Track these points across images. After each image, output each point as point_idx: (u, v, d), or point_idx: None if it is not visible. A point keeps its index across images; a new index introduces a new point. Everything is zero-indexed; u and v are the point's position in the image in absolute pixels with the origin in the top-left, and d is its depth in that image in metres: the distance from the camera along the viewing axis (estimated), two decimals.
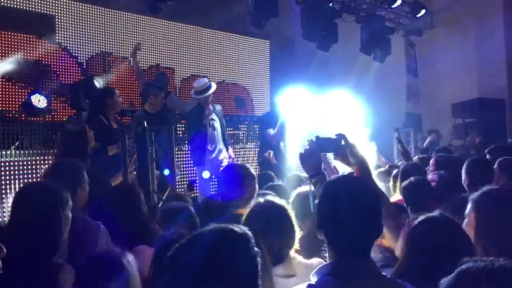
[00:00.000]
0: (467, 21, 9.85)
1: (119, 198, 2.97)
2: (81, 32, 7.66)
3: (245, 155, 8.37)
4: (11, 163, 4.98)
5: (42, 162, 5.20)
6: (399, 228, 2.06)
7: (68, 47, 7.52)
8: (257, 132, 7.78)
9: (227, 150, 6.03)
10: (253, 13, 6.87)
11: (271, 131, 6.55)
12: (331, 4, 8.16)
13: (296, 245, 2.23)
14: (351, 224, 1.56)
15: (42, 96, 5.46)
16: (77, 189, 2.72)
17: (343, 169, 4.00)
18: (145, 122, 3.98)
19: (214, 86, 6.03)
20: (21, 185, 4.91)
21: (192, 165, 6.69)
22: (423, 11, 9.65)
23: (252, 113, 9.95)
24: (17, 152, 5.09)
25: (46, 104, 5.50)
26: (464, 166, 3.50)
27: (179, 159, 6.30)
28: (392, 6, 9.10)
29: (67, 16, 7.50)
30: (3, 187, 4.85)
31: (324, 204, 1.65)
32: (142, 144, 3.97)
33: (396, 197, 3.58)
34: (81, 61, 7.70)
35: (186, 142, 6.65)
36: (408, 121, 10.04)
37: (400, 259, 1.90)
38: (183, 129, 6.98)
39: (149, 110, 5.20)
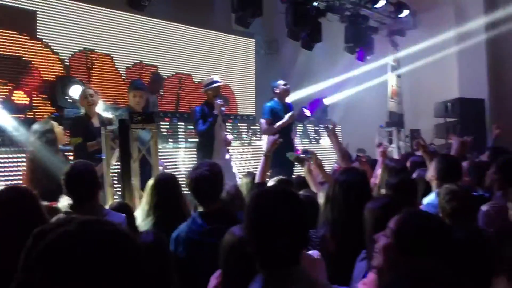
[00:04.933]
0: (449, 22, 9.98)
1: None
2: (63, 29, 7.58)
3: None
4: None
5: (23, 159, 5.14)
6: None
7: (50, 44, 7.44)
8: (241, 130, 7.75)
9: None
10: (238, 11, 6.87)
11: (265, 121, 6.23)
12: (315, 3, 8.20)
13: None
14: (278, 236, 1.59)
15: (23, 93, 5.39)
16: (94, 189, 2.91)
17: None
18: (127, 119, 3.95)
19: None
20: (3, 182, 4.87)
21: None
22: (406, 12, 9.75)
23: (236, 111, 9.96)
24: None
25: (27, 101, 5.43)
26: (434, 162, 3.60)
27: (164, 158, 6.28)
28: (376, 6, 9.18)
29: (49, 12, 7.42)
30: None
31: (251, 216, 1.68)
32: (124, 141, 3.94)
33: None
34: (63, 58, 7.62)
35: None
36: (391, 120, 10.14)
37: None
38: (168, 127, 6.95)
39: (133, 107, 5.18)
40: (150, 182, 3.18)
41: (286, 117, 6.20)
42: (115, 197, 4.17)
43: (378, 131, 9.78)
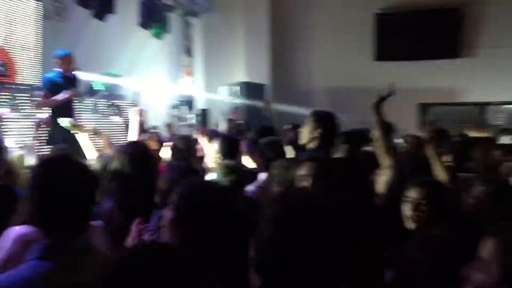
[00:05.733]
0: (239, 9, 10.64)
1: None
2: None
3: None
4: None
5: None
6: None
7: None
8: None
9: None
10: None
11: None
12: None
13: None
14: (58, 206, 1.57)
15: None
16: None
17: None
18: None
19: None
20: None
21: None
22: None
23: (14, 80, 8.92)
24: None
25: None
26: (216, 143, 3.91)
27: None
28: None
29: None
30: None
31: (35, 186, 1.63)
32: None
33: None
34: None
35: None
36: (183, 100, 10.41)
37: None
38: None
39: None
40: None
41: (65, 93, 5.68)
42: None
43: (169, 109, 9.96)
